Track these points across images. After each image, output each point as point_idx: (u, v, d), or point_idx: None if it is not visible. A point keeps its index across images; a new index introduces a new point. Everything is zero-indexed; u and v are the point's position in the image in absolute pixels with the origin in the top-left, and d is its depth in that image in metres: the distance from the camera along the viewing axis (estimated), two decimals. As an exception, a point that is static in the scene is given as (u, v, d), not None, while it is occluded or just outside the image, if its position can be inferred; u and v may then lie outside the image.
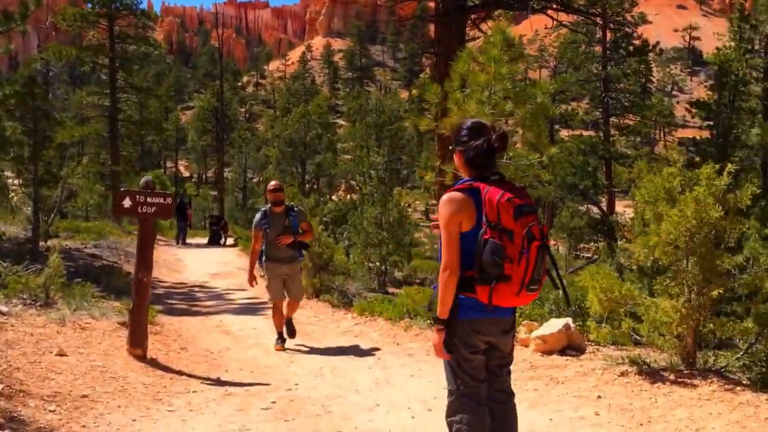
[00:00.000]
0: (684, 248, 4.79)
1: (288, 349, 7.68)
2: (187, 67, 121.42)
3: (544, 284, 3.23)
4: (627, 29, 24.76)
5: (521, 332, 6.59)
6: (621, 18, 24.20)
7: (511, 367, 3.37)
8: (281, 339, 7.55)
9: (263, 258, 7.45)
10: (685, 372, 4.96)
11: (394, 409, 4.99)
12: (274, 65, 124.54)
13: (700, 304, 4.81)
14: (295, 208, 7.62)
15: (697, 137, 24.54)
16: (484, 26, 14.16)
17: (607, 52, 26.60)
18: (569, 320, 6.56)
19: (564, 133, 45.23)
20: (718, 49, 24.15)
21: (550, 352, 6.13)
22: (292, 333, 7.66)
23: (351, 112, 71.63)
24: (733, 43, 23.04)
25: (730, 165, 4.75)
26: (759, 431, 3.86)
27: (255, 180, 51.32)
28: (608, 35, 26.48)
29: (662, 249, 4.87)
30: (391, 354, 7.05)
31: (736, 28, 23.80)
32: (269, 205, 7.49)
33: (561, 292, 3.46)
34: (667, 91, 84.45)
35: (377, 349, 7.32)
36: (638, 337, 5.38)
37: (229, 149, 49.40)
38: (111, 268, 13.05)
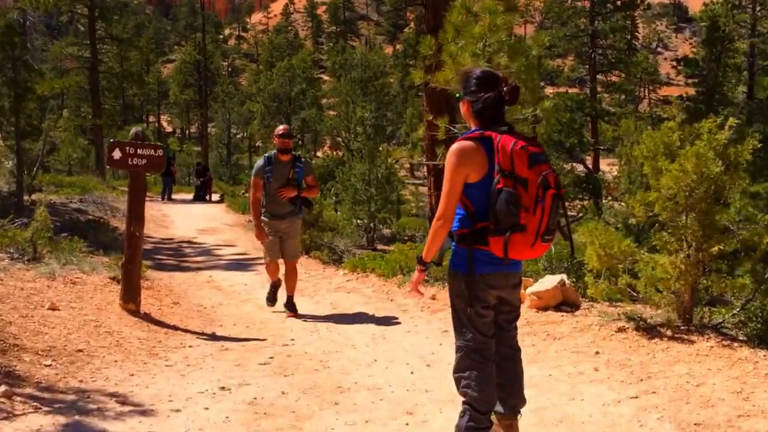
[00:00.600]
0: (683, 204, 4.75)
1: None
2: (167, 18, 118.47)
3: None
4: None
5: (516, 288, 6.59)
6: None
7: (512, 323, 3.35)
8: (272, 296, 7.02)
9: (262, 211, 6.83)
10: (682, 328, 4.97)
11: (393, 365, 4.99)
12: (256, 18, 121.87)
13: (699, 260, 4.80)
14: (302, 159, 6.92)
15: (683, 94, 24.46)
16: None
17: (595, 6, 26.21)
18: (564, 276, 6.57)
19: (549, 90, 44.99)
20: (705, 4, 23.95)
21: (545, 308, 6.15)
22: (292, 308, 6.89)
23: (335, 66, 70.74)
24: None
25: (731, 119, 4.69)
26: (759, 387, 3.88)
27: (239, 135, 50.75)
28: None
29: (662, 205, 4.83)
30: (385, 310, 7.05)
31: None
32: (274, 152, 6.79)
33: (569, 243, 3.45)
34: (652, 48, 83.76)
35: (371, 305, 7.31)
36: (634, 294, 5.38)
37: (212, 104, 48.62)
38: (98, 223, 12.87)
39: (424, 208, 29.13)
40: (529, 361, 4.93)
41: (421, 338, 5.80)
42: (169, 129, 67.03)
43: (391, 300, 7.50)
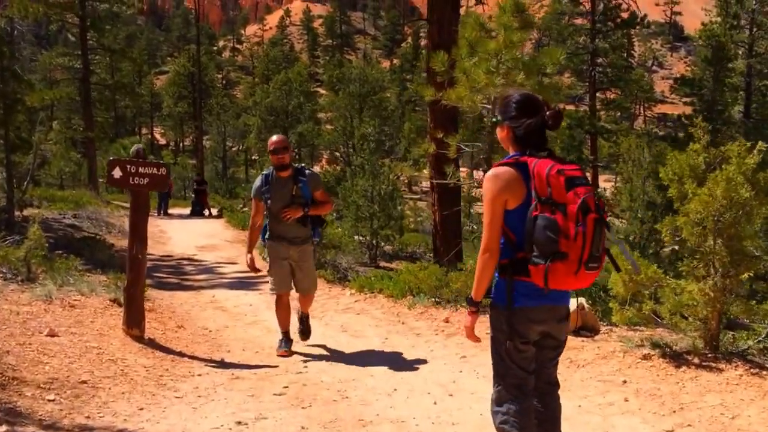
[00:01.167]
0: (712, 228, 4.58)
1: (292, 324, 7.39)
2: (159, 29, 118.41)
3: None
4: (618, -1, 24.49)
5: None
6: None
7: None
8: (287, 340, 5.99)
9: (266, 235, 5.87)
10: (709, 356, 4.82)
11: (414, 395, 4.73)
12: (251, 30, 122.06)
13: (726, 287, 4.64)
14: (306, 171, 5.83)
15: (683, 113, 24.49)
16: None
17: (595, 24, 26.24)
18: (583, 300, 6.37)
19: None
20: (704, 24, 24.02)
21: (565, 333, 5.93)
22: (306, 332, 6.14)
23: (331, 80, 70.73)
24: (719, 18, 22.90)
25: (761, 143, 4.53)
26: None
27: (234, 149, 50.54)
28: (597, 6, 26.13)
29: (690, 230, 4.65)
30: (398, 334, 6.79)
31: (722, 3, 23.69)
32: (272, 168, 5.81)
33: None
34: (647, 66, 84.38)
35: (382, 328, 7.05)
36: (658, 320, 5.20)
37: (207, 116, 48.44)
38: (93, 240, 12.60)
39: (423, 223, 28.94)
40: (558, 392, 4.71)
41: (439, 364, 5.54)
42: (162, 141, 66.79)
43: (403, 323, 7.24)
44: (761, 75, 23.94)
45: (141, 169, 5.75)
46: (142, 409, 4.20)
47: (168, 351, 5.73)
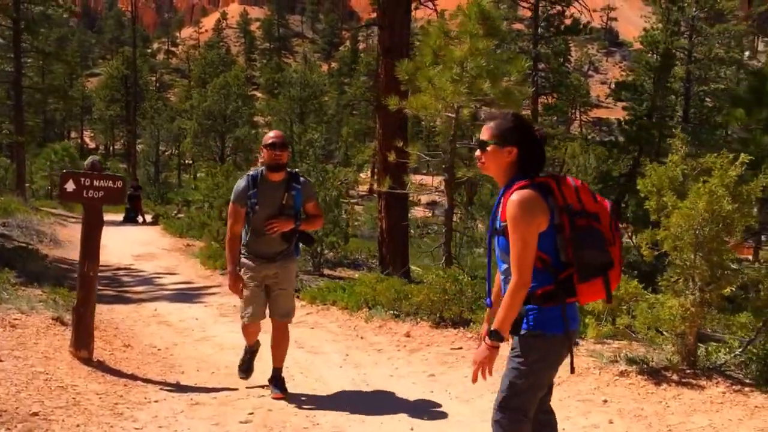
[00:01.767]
0: (692, 242, 4.59)
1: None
2: (92, 31, 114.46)
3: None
4: (562, 5, 24.99)
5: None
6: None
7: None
8: (247, 365, 5.30)
9: (241, 250, 5.01)
10: (688, 371, 4.81)
11: (388, 420, 4.57)
12: (186, 32, 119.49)
13: (705, 301, 4.65)
14: (301, 178, 4.99)
15: (624, 117, 25.14)
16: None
17: (539, 29, 26.68)
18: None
19: (473, 107, 45.58)
20: (645, 30, 24.77)
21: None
22: (279, 386, 5.10)
23: (269, 84, 69.80)
24: (660, 25, 23.60)
25: (743, 155, 4.56)
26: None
27: (168, 153, 49.23)
28: (540, 12, 26.59)
29: (671, 243, 4.66)
30: (358, 350, 6.63)
31: (664, 10, 24.43)
32: (262, 169, 4.90)
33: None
34: (583, 71, 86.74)
35: (341, 344, 6.88)
36: (632, 334, 5.20)
37: (140, 120, 47.02)
38: (25, 251, 11.91)
39: (360, 227, 28.79)
40: (534, 413, 4.64)
41: (407, 384, 5.41)
42: (92, 145, 64.57)
43: (362, 338, 7.09)
44: (700, 80, 24.90)
45: (96, 182, 5.41)
46: (100, 443, 3.91)
47: (119, 374, 5.40)
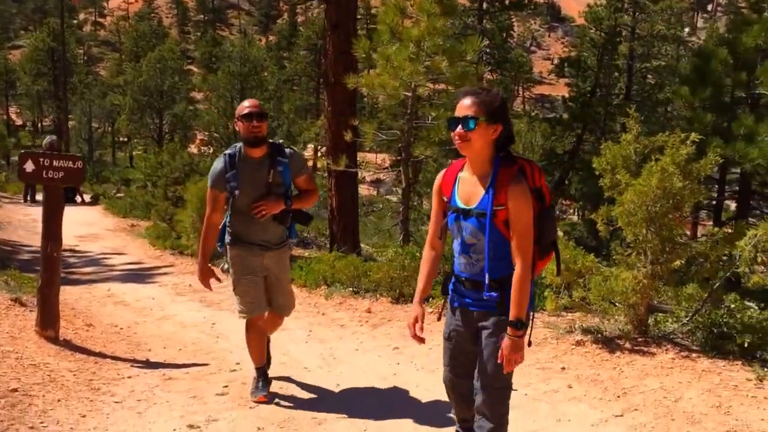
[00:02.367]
0: (645, 218, 4.92)
1: (206, 318, 7.22)
2: (12, 0, 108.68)
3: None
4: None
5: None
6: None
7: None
8: (264, 380, 4.55)
9: (226, 239, 4.44)
10: (640, 340, 5.17)
11: (359, 391, 4.79)
12: (114, 2, 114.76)
13: (657, 274, 5.01)
14: (286, 150, 4.36)
15: (568, 93, 25.49)
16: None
17: (483, 4, 26.77)
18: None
19: (428, 86, 45.77)
20: (589, 6, 25.20)
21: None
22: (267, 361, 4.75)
23: (204, 58, 67.96)
24: (604, 1, 23.95)
25: (693, 134, 4.89)
26: (734, 400, 4.11)
27: (101, 130, 47.63)
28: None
29: (625, 219, 5.00)
30: (320, 325, 6.81)
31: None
32: (239, 145, 4.31)
33: None
34: (526, 47, 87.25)
35: (303, 320, 7.03)
36: (587, 306, 5.52)
37: (70, 96, 45.21)
38: (-33, 231, 11.54)
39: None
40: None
41: (373, 357, 5.64)
42: (19, 122, 61.70)
43: (323, 314, 7.27)
44: (642, 57, 25.49)
45: (55, 162, 5.37)
46: (84, 416, 3.99)
47: (87, 352, 5.43)
